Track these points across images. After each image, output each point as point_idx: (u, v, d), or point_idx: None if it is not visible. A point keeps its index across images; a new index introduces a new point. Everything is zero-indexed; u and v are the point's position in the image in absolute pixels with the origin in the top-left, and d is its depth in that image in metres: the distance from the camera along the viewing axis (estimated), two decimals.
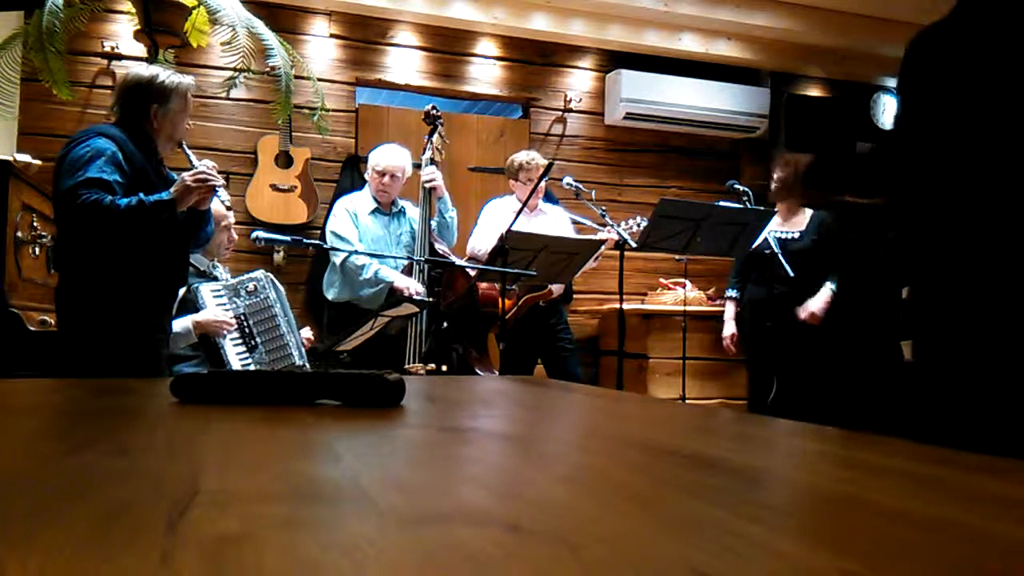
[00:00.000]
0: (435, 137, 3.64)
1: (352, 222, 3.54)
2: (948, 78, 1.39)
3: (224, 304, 2.99)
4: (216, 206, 2.74)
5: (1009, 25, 1.34)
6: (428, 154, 3.62)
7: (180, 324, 2.79)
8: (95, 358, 2.25)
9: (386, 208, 3.63)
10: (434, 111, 3.66)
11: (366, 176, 3.69)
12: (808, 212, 3.92)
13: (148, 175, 2.34)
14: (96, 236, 2.24)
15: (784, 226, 3.91)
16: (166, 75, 2.44)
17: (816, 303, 3.78)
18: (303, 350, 3.22)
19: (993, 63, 1.33)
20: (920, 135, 1.42)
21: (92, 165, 2.19)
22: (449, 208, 3.64)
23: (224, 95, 3.59)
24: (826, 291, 3.79)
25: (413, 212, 3.69)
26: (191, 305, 2.88)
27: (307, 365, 3.20)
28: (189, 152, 2.54)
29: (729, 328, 4.04)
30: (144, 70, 2.46)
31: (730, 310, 4.06)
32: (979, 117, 1.34)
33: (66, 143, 2.31)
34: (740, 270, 4.00)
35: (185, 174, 2.35)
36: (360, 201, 3.63)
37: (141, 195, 2.23)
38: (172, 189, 2.32)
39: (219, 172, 2.46)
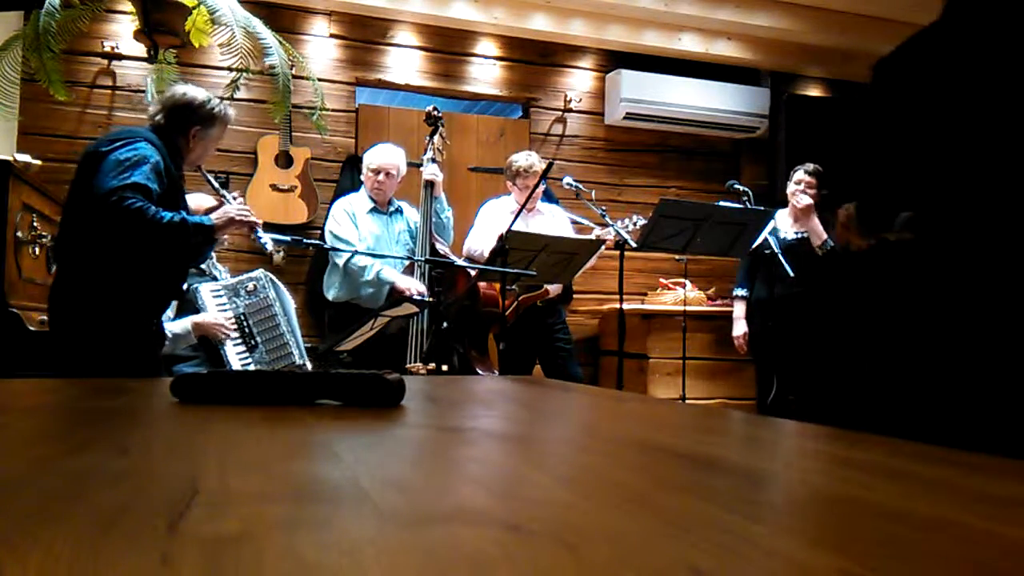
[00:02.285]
0: (436, 137, 3.65)
1: (351, 222, 3.54)
2: (940, 92, 1.38)
3: (224, 304, 3.00)
4: (207, 199, 2.75)
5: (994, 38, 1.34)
6: (429, 154, 3.63)
7: (179, 325, 2.79)
8: (83, 356, 2.24)
9: (383, 207, 3.63)
10: (435, 112, 3.67)
11: (362, 177, 3.69)
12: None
13: (176, 189, 2.36)
14: (126, 240, 2.23)
15: (796, 226, 3.91)
16: (216, 102, 2.50)
17: None
18: (303, 349, 3.22)
19: (980, 75, 1.33)
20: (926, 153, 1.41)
21: (139, 170, 2.19)
22: (445, 208, 3.65)
23: (229, 97, 3.60)
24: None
25: (410, 211, 3.70)
26: (191, 305, 2.88)
27: (307, 364, 3.20)
28: (210, 177, 2.58)
29: (740, 327, 4.01)
30: (197, 92, 2.49)
31: (740, 309, 4.02)
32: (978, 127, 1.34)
33: (108, 140, 2.30)
34: (748, 269, 3.98)
35: (230, 207, 2.40)
36: (357, 201, 3.63)
37: (184, 214, 2.25)
38: (214, 216, 2.35)
39: (219, 173, 2.48)
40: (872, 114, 1.53)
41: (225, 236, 3.10)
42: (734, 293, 4.07)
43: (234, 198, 2.51)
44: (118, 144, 2.25)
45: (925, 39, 1.43)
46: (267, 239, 2.51)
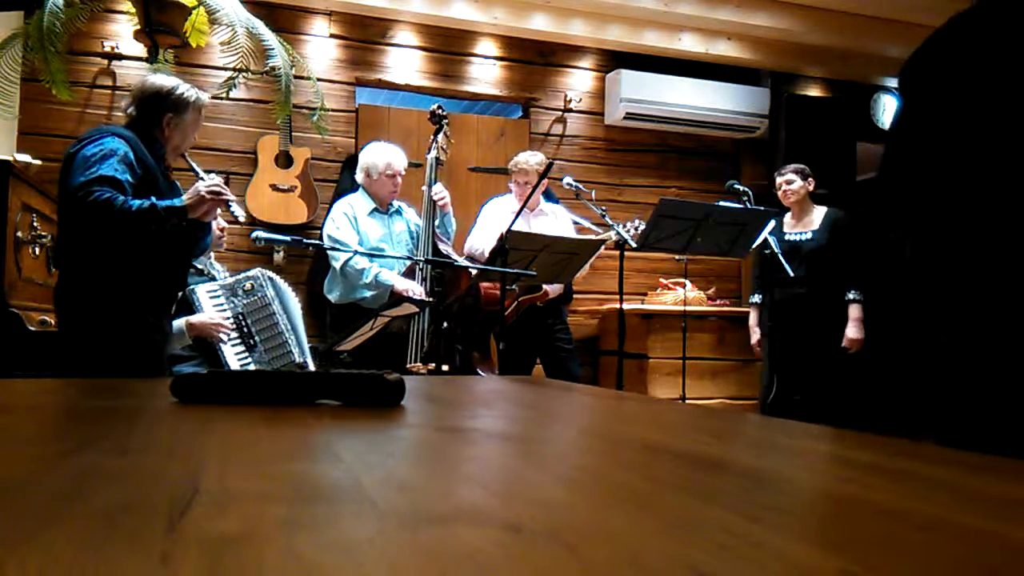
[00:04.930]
0: (440, 136, 3.63)
1: (352, 226, 3.53)
2: (960, 86, 1.36)
3: (221, 304, 2.99)
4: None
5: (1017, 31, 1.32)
6: (433, 153, 3.62)
7: (174, 324, 2.78)
8: (93, 357, 2.25)
9: (384, 208, 3.63)
10: (440, 111, 3.66)
11: (361, 178, 3.62)
12: (821, 211, 3.92)
13: (156, 179, 2.34)
14: (102, 234, 2.24)
15: (797, 227, 3.91)
16: (185, 87, 2.47)
17: (852, 329, 3.78)
18: (305, 347, 3.21)
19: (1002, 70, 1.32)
20: (932, 144, 1.40)
21: (105, 163, 2.19)
22: (452, 223, 3.65)
23: (224, 95, 3.60)
24: (855, 310, 3.79)
25: (409, 211, 3.70)
26: (187, 306, 2.87)
27: (309, 362, 3.19)
28: (193, 162, 2.56)
29: (754, 335, 4.00)
30: (165, 80, 2.48)
31: (753, 317, 4.03)
32: (992, 123, 1.32)
33: (77, 140, 2.31)
34: (760, 274, 3.97)
35: (200, 184, 2.36)
36: (358, 203, 3.60)
37: (153, 199, 2.24)
38: (185, 197, 2.33)
39: (219, 172, 2.48)
40: (902, 114, 1.50)
41: (224, 239, 3.11)
42: (751, 300, 4.08)
43: (207, 172, 2.47)
44: (85, 141, 2.26)
45: (954, 31, 1.41)
46: (239, 211, 2.50)
